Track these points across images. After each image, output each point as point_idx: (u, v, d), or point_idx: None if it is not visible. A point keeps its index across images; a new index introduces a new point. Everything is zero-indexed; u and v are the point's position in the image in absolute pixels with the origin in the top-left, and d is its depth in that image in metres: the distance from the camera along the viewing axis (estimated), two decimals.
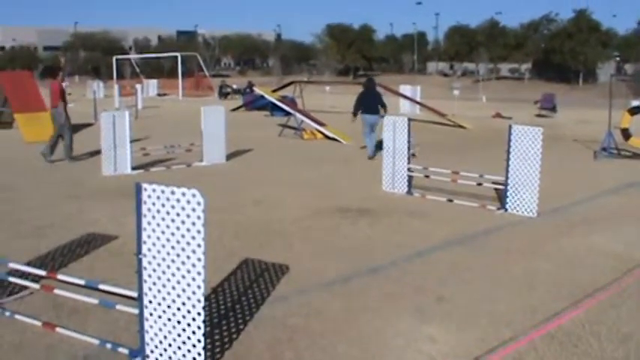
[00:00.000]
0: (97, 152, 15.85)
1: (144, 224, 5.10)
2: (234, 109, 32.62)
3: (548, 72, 77.93)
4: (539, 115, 31.86)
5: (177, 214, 4.89)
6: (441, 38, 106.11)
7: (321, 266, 8.07)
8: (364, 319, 6.41)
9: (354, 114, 18.12)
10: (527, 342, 5.83)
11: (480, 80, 66.83)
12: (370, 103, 17.94)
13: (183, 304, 5.02)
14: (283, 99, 26.76)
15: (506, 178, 11.02)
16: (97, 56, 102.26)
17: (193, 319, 5.00)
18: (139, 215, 5.11)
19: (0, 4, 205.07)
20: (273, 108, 29.31)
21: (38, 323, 6.16)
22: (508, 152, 10.94)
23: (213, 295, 6.97)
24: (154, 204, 5.01)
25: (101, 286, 5.98)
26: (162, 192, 4.95)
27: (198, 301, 4.96)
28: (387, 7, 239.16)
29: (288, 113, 25.02)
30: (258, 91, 30.89)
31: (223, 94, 50.62)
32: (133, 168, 15.23)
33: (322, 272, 7.83)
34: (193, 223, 4.83)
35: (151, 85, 59.04)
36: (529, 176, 10.73)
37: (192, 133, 17.52)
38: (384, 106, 18.00)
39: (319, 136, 22.23)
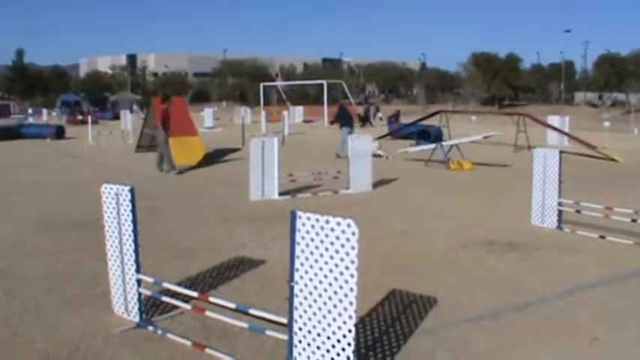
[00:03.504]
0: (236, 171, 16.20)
1: (297, 252, 5.15)
2: (379, 138, 32.69)
3: None
4: None
5: (331, 243, 4.91)
6: (589, 67, 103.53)
7: (469, 300, 7.93)
8: (513, 356, 6.25)
9: (339, 125, 25.84)
10: None
11: (631, 111, 64.36)
12: (346, 119, 25.66)
13: (334, 333, 5.02)
14: (429, 128, 26.75)
15: None
16: (244, 82, 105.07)
17: (343, 349, 5.00)
18: (292, 242, 5.16)
19: (154, 33, 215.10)
20: (419, 137, 29.51)
21: (188, 343, 6.32)
22: None
23: (360, 324, 6.95)
24: (308, 232, 5.05)
25: (251, 311, 6.08)
26: (317, 220, 4.98)
27: (349, 331, 4.95)
28: (534, 35, 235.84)
29: (435, 142, 24.91)
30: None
31: (366, 120, 50.56)
32: (280, 194, 15.47)
33: (470, 306, 7.69)
34: (347, 253, 4.84)
35: (297, 112, 59.97)
36: None
37: (339, 159, 17.64)
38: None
39: (466, 166, 21.95)
